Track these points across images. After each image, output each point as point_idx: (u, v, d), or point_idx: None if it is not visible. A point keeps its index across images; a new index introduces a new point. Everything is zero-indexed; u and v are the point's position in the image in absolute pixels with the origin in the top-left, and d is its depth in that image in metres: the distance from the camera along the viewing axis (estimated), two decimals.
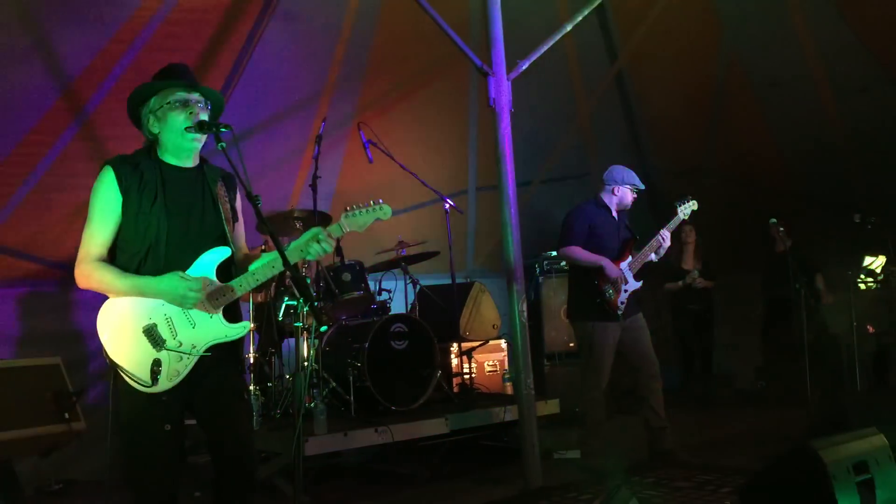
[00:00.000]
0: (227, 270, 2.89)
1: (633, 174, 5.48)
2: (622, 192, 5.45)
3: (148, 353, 2.68)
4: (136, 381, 2.66)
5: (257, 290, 5.72)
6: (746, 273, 8.49)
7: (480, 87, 5.82)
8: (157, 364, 2.67)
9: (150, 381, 2.66)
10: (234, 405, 2.92)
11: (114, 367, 2.69)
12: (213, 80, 5.86)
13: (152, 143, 2.88)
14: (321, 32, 6.40)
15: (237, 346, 2.98)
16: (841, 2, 6.98)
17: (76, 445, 5.18)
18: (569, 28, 5.39)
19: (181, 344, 2.72)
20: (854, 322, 6.87)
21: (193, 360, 2.74)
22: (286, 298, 5.71)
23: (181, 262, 2.76)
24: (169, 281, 2.69)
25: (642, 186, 5.47)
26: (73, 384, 5.06)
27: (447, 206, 6.41)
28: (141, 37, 5.36)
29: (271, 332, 5.82)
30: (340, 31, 6.48)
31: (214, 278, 2.81)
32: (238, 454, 2.89)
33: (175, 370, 2.70)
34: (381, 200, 3.03)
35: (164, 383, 2.69)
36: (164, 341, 2.70)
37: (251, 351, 5.65)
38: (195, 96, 2.86)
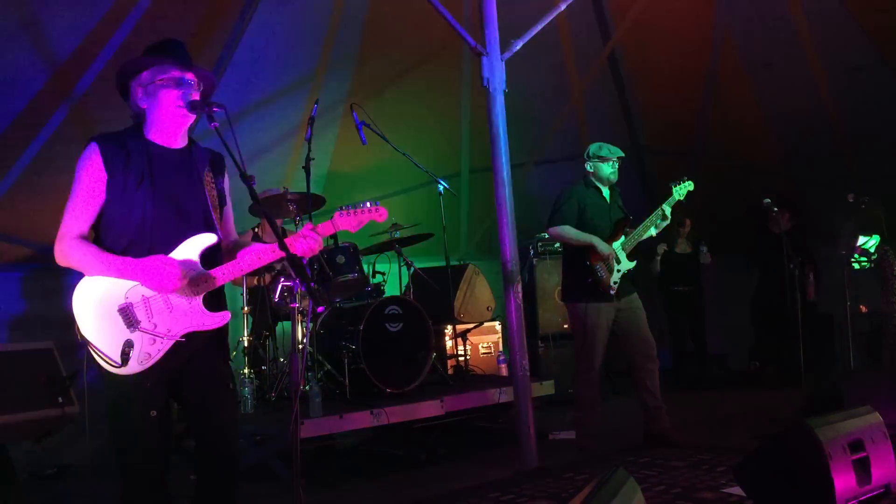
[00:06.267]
0: (213, 257, 2.80)
1: (604, 146, 5.42)
2: (595, 166, 5.43)
3: (121, 332, 2.60)
4: (105, 360, 2.59)
5: (251, 274, 5.70)
6: (739, 254, 8.50)
7: (474, 68, 5.78)
8: (128, 345, 2.59)
9: (119, 362, 2.58)
10: (218, 394, 2.84)
11: (85, 345, 2.62)
12: (204, 61, 5.82)
13: (139, 122, 2.79)
14: (313, 13, 6.34)
15: (223, 333, 2.89)
16: None
17: (70, 430, 5.16)
18: (563, 8, 5.35)
19: (156, 326, 2.63)
20: (847, 301, 6.88)
21: (167, 345, 2.64)
22: (282, 280, 5.70)
23: (167, 244, 2.68)
24: (151, 264, 2.59)
25: (612, 155, 5.39)
26: (65, 368, 5.05)
27: (441, 188, 6.39)
28: (130, 17, 5.29)
29: (265, 315, 5.81)
30: (332, 12, 6.42)
31: (198, 263, 2.73)
32: (220, 444, 2.83)
33: (147, 353, 2.61)
34: (377, 202, 2.94)
35: (134, 366, 2.60)
36: (138, 322, 2.62)
37: (245, 334, 5.63)
38: (188, 76, 2.79)
